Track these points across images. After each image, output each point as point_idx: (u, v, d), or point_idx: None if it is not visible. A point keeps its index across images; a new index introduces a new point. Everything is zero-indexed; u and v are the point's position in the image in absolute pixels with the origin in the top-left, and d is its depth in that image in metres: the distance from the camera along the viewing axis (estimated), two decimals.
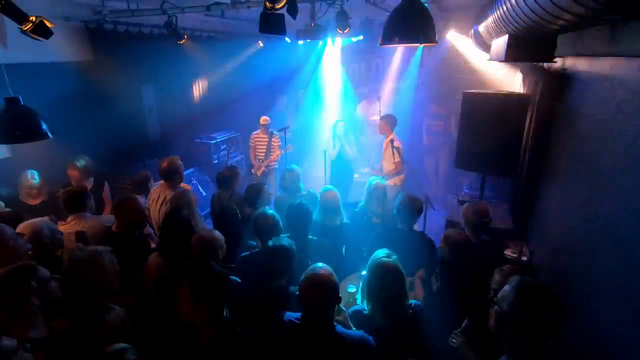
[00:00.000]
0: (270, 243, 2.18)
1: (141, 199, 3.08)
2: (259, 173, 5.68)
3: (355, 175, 5.94)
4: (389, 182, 4.63)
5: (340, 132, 5.36)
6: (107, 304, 1.87)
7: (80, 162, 3.61)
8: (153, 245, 2.88)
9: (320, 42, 6.92)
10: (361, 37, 6.27)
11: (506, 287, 1.44)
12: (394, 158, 4.51)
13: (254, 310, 2.02)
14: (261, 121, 5.62)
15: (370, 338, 1.73)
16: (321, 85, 7.42)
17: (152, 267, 2.39)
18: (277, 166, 5.73)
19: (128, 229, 2.68)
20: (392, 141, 4.34)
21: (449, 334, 2.10)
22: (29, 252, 2.21)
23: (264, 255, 2.18)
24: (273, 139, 5.63)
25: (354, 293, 2.50)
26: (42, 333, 1.65)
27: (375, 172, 4.85)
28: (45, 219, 2.51)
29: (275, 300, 2.05)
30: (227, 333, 1.70)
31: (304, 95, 7.67)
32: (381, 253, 2.01)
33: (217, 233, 2.37)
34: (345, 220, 3.20)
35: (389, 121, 4.74)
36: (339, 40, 6.67)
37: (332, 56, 7.23)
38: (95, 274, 1.80)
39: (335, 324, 1.75)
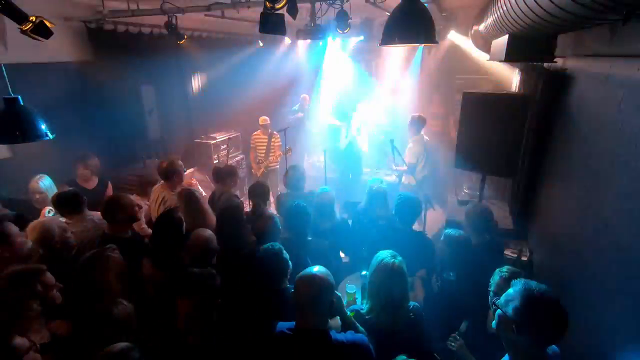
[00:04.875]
0: (263, 247, 2.15)
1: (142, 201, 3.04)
2: (259, 173, 5.66)
3: (366, 170, 5.89)
4: (404, 180, 4.66)
5: (356, 123, 5.32)
6: (114, 298, 1.80)
7: (91, 161, 3.64)
8: None
9: (321, 42, 6.93)
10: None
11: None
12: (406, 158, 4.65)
13: (246, 316, 1.99)
14: (260, 121, 5.60)
15: (366, 340, 1.69)
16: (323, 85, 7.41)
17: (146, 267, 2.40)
18: (277, 167, 5.72)
19: (120, 229, 2.61)
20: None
21: (448, 336, 2.09)
22: (40, 252, 2.20)
23: (258, 258, 2.14)
24: (273, 140, 5.62)
25: (354, 293, 2.49)
26: (43, 338, 1.64)
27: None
28: (55, 218, 2.48)
29: (270, 305, 2.01)
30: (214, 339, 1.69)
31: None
32: (386, 253, 1.99)
33: (209, 233, 2.35)
34: (343, 219, 3.18)
35: (412, 122, 4.81)
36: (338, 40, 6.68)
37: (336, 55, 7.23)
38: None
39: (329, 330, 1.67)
